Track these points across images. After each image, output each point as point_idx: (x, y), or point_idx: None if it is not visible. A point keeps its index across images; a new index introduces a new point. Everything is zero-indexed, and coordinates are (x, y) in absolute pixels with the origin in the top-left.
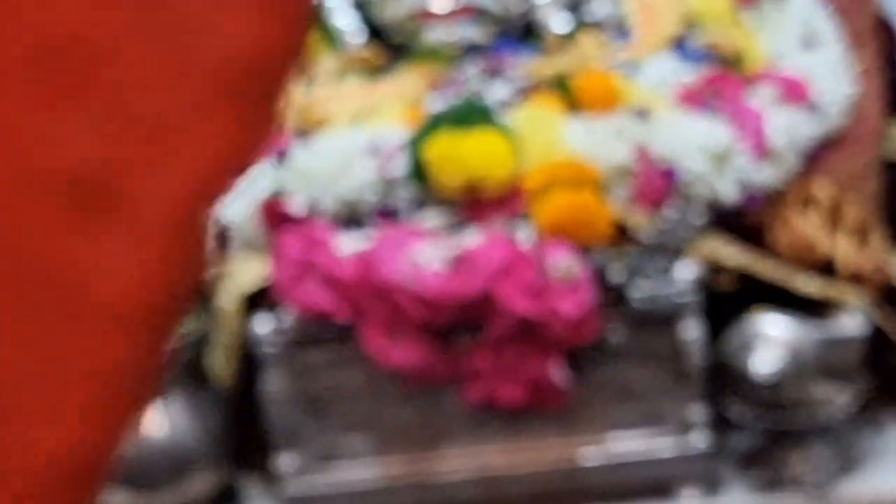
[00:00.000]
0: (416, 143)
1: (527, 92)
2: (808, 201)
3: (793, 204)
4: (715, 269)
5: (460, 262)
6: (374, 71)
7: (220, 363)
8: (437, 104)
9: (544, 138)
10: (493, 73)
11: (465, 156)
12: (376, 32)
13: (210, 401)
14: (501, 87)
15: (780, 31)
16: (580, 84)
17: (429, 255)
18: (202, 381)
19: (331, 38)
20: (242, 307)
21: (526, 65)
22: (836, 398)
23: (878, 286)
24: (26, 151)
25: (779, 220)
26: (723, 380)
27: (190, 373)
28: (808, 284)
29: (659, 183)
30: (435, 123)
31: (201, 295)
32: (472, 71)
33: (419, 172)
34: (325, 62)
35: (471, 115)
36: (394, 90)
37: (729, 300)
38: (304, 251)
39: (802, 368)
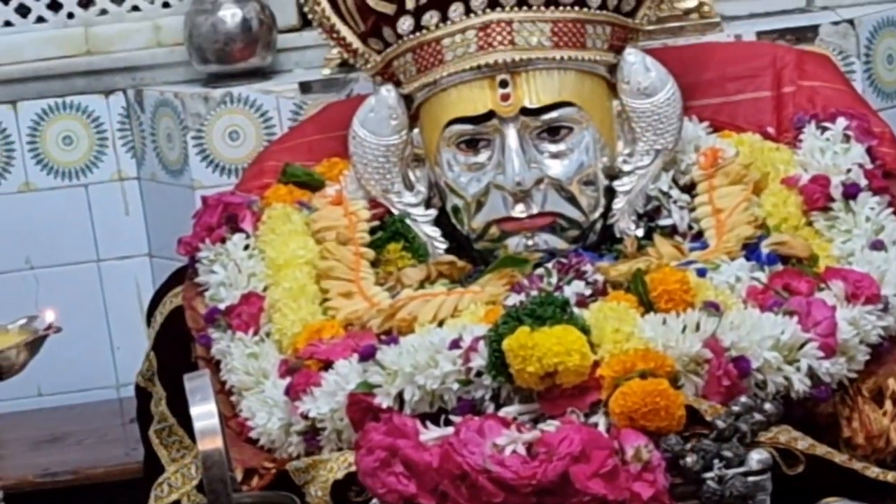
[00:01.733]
0: (495, 336)
1: (603, 290)
2: (879, 393)
3: (864, 396)
4: (787, 456)
5: (539, 447)
6: (458, 278)
7: None
8: (516, 301)
9: (619, 330)
10: (571, 273)
11: (542, 348)
12: (460, 241)
13: None
14: (578, 285)
15: (850, 233)
16: (654, 280)
17: (508, 440)
18: None
19: (416, 248)
20: (332, 496)
21: (602, 266)
22: None
23: None
24: None
25: (850, 412)
26: None
27: None
28: (882, 473)
29: (731, 373)
30: (514, 317)
31: (292, 485)
32: (550, 271)
33: (499, 364)
34: (410, 271)
35: (548, 308)
36: (476, 293)
37: (800, 488)
38: (389, 440)
39: None
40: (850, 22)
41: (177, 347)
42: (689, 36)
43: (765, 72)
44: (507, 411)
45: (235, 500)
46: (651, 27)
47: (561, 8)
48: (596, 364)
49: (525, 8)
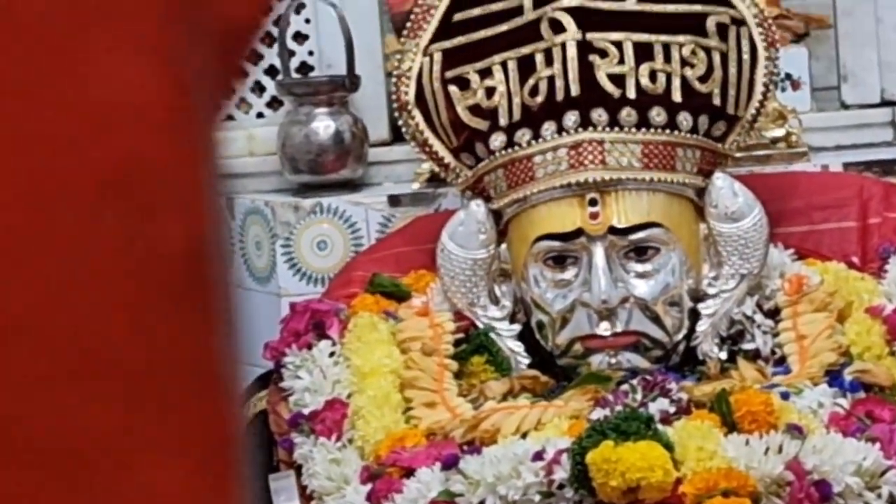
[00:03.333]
0: (578, 449)
1: (687, 409)
2: None
3: None
4: None
5: None
6: (541, 393)
7: None
8: (600, 415)
9: (703, 448)
10: (656, 390)
11: (626, 462)
12: (543, 357)
13: None
14: (662, 402)
15: None
16: (738, 401)
17: None
18: None
19: (499, 361)
20: None
21: (687, 385)
22: None
23: None
24: None
25: None
26: None
27: None
28: None
29: (812, 496)
30: (598, 431)
31: None
32: (635, 388)
33: (582, 477)
34: (493, 384)
35: (632, 424)
36: (559, 407)
37: None
38: None
39: None
40: None
41: (259, 451)
42: (776, 164)
43: (851, 202)
44: None
45: None
46: (739, 154)
47: (652, 130)
48: (678, 481)
49: (617, 129)
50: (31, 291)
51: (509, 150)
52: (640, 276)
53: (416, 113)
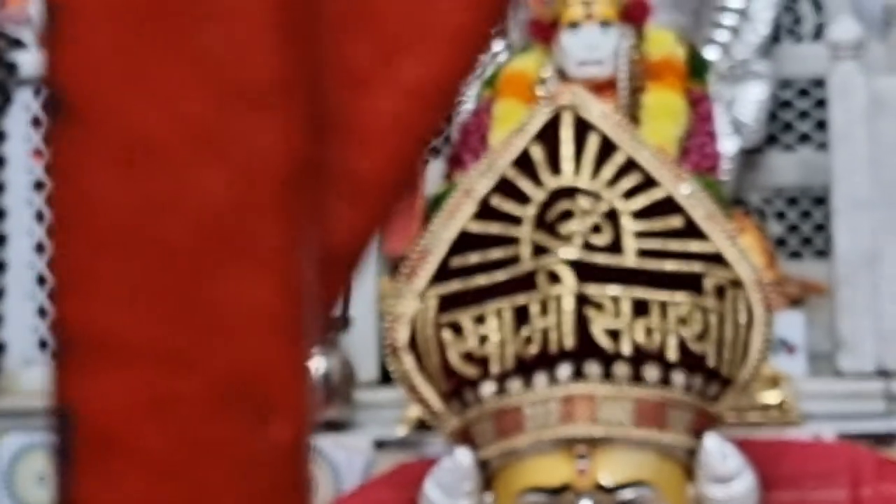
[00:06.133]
0: None
1: None
2: None
3: None
4: None
5: None
6: None
7: None
8: None
9: None
10: None
11: None
12: None
13: None
14: None
15: None
16: None
17: None
18: None
19: None
20: None
21: None
22: None
23: None
24: None
25: None
26: None
27: None
28: None
29: None
30: None
31: None
32: None
33: None
34: None
35: None
36: None
37: None
38: None
39: None
40: None
41: None
42: (768, 430)
43: (842, 473)
44: None
45: None
46: (732, 419)
47: (645, 387)
48: None
49: (610, 383)
50: (157, 483)
51: (499, 399)
52: None
53: (408, 357)
